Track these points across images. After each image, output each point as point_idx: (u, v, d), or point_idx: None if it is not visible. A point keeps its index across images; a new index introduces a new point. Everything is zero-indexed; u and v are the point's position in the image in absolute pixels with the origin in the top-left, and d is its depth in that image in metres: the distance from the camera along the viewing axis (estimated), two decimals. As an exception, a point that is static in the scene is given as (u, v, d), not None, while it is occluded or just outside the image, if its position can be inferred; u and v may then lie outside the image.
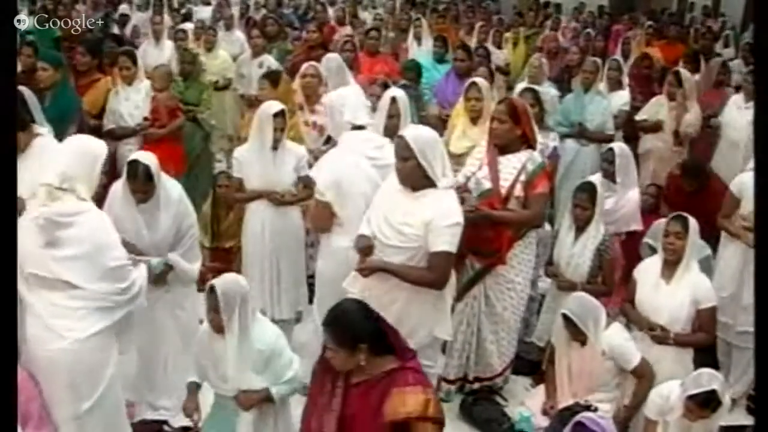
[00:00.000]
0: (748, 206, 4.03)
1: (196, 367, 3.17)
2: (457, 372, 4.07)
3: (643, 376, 3.61)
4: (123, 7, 10.96)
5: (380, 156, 3.88)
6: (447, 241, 3.17)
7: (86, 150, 3.02)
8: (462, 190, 3.77)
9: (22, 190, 3.24)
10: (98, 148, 3.06)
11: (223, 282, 2.94)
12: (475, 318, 3.94)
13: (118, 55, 5.54)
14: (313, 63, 5.38)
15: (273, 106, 4.20)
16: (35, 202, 2.90)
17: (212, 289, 2.91)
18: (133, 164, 3.44)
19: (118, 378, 3.10)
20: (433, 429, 2.48)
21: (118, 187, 3.55)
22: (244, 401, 3.01)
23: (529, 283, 3.98)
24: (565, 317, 3.57)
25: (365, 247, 3.29)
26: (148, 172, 3.42)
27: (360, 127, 4.02)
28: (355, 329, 2.47)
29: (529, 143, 3.82)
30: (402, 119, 4.30)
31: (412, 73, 6.09)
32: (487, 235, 3.75)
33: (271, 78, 5.12)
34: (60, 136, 4.64)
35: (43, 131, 3.53)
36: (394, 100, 4.36)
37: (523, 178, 3.72)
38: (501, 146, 3.79)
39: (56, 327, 2.87)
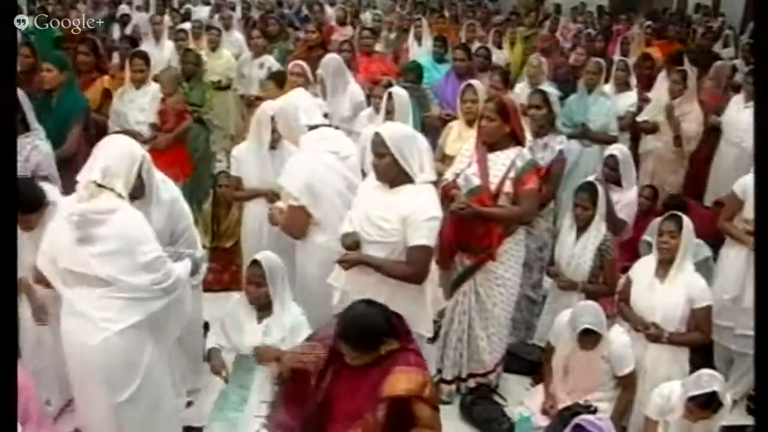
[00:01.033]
0: (751, 209, 4.03)
1: (220, 333, 3.41)
2: (453, 372, 4.08)
3: (629, 387, 3.63)
4: (123, 7, 10.95)
5: (340, 149, 3.92)
6: (424, 235, 3.19)
7: (127, 149, 3.08)
8: (450, 187, 3.80)
9: (31, 261, 3.22)
10: (137, 149, 3.14)
11: (267, 257, 3.28)
12: (466, 315, 3.95)
13: (132, 56, 5.50)
14: (299, 62, 5.40)
15: (272, 106, 4.21)
16: (72, 199, 2.97)
17: (256, 263, 3.21)
18: None
19: (157, 372, 3.12)
20: (429, 411, 2.55)
21: None
22: (263, 353, 3.22)
23: (518, 279, 3.99)
24: (587, 330, 3.53)
25: (352, 243, 3.32)
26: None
27: (314, 127, 4.03)
28: (378, 332, 2.57)
29: (518, 140, 3.84)
30: (397, 116, 4.33)
31: (413, 74, 6.09)
32: (477, 231, 3.77)
33: (277, 79, 5.11)
34: (66, 135, 4.69)
35: (52, 197, 3.52)
36: (390, 96, 4.40)
37: (512, 174, 3.73)
38: (490, 144, 3.81)
39: (93, 320, 2.90)
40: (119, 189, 2.95)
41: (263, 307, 3.31)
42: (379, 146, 3.23)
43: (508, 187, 3.73)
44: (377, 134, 3.26)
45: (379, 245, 3.27)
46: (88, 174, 2.94)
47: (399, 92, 4.55)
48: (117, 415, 2.98)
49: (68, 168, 4.75)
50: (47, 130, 4.31)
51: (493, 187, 3.74)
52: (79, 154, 4.87)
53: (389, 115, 4.45)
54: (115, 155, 3.00)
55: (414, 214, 3.18)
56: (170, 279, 2.99)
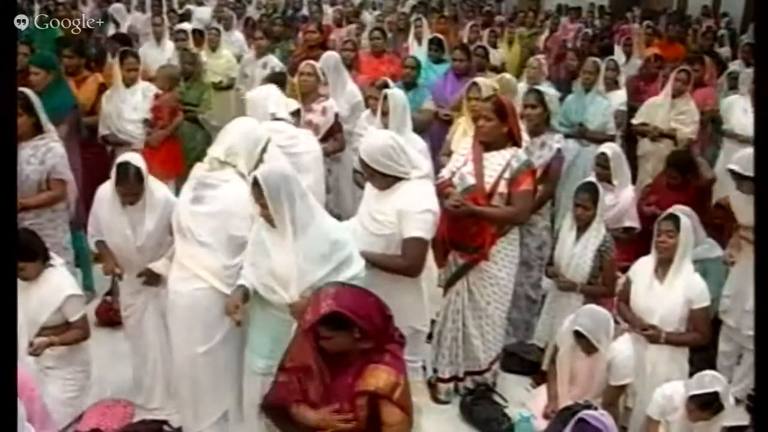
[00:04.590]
0: (743, 217, 4.03)
1: (248, 269, 3.12)
2: (450, 370, 4.08)
3: (614, 398, 3.60)
4: (116, 6, 10.74)
5: (291, 144, 4.14)
6: (419, 227, 3.24)
7: (251, 131, 3.37)
8: (446, 185, 3.81)
9: (21, 322, 3.35)
10: (262, 131, 3.43)
11: (264, 171, 2.97)
12: (459, 314, 3.96)
13: (124, 55, 5.45)
14: (310, 62, 5.40)
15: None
16: (199, 168, 3.33)
17: (255, 181, 2.93)
18: (123, 166, 3.46)
19: (235, 340, 3.30)
20: (398, 417, 2.50)
21: (107, 188, 3.59)
22: (299, 308, 2.83)
23: (513, 278, 4.00)
24: (578, 333, 3.53)
25: None
26: (139, 174, 3.45)
27: (278, 119, 4.22)
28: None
29: (515, 141, 3.85)
30: (392, 116, 4.37)
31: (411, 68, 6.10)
32: (469, 230, 3.79)
33: (276, 80, 5.11)
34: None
35: (57, 262, 3.63)
36: (385, 97, 4.42)
37: (507, 175, 3.75)
38: (487, 143, 3.82)
39: (189, 271, 3.23)
40: (241, 167, 3.24)
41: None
42: (364, 167, 3.35)
43: (502, 187, 3.75)
44: (359, 155, 3.38)
45: (375, 237, 3.32)
46: (214, 151, 3.26)
47: (394, 93, 4.55)
48: (196, 364, 3.27)
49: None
50: None
51: (487, 186, 3.75)
52: (69, 153, 4.87)
53: (385, 116, 4.47)
54: (239, 137, 3.29)
55: (408, 207, 3.24)
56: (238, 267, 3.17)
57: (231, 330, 3.23)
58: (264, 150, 3.31)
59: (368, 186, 3.49)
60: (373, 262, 3.27)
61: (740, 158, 3.90)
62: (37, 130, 4.10)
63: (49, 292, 3.46)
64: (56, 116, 4.73)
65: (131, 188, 3.46)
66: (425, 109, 5.81)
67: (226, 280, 3.19)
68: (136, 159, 3.51)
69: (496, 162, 3.78)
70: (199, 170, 3.33)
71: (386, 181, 3.32)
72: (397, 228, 3.27)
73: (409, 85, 5.83)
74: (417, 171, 3.33)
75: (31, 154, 4.04)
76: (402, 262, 3.28)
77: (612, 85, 6.36)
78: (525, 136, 4.29)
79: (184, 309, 3.25)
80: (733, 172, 3.93)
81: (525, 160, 3.83)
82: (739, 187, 3.94)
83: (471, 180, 3.77)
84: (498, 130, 3.78)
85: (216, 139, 3.38)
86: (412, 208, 3.25)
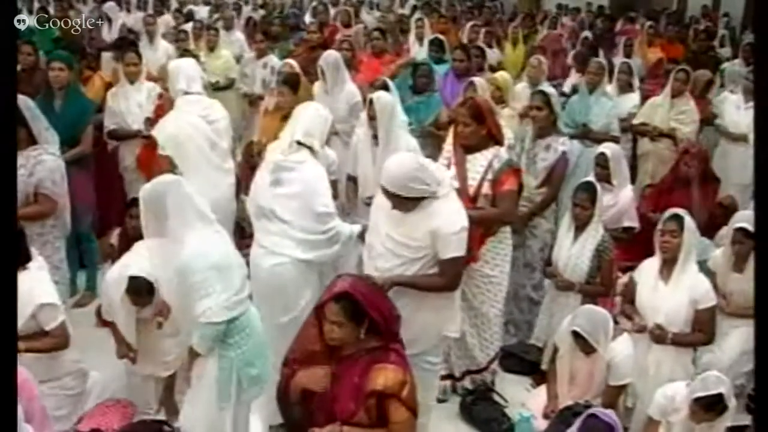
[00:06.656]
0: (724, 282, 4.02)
1: None
2: (446, 368, 4.07)
3: (612, 397, 3.58)
4: (109, 5, 10.71)
5: (208, 114, 4.59)
6: (457, 247, 3.18)
7: (321, 113, 3.74)
8: None
9: None
10: (327, 112, 3.81)
11: (149, 185, 3.08)
12: None
13: (124, 52, 5.43)
14: (289, 60, 5.41)
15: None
16: (276, 151, 3.64)
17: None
18: (135, 281, 3.37)
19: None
20: (405, 415, 2.53)
21: (116, 282, 3.47)
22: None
23: (506, 277, 3.99)
24: (576, 333, 3.52)
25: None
26: (151, 289, 3.40)
27: (188, 94, 4.58)
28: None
29: (496, 140, 3.84)
30: (379, 121, 4.31)
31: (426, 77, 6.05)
32: None
33: (290, 83, 5.09)
34: (76, 135, 4.65)
35: (33, 266, 3.37)
36: (371, 101, 4.39)
37: (490, 176, 3.74)
38: (467, 146, 3.81)
39: (269, 249, 3.50)
40: (316, 146, 3.60)
41: None
42: (388, 195, 3.14)
43: (486, 188, 3.75)
44: (381, 185, 3.17)
45: (407, 259, 3.22)
46: (290, 135, 3.57)
47: (380, 97, 4.42)
48: (281, 334, 3.35)
49: (81, 167, 4.73)
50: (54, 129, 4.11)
51: (471, 189, 3.75)
52: (90, 154, 4.85)
53: (371, 120, 4.39)
54: (313, 119, 3.65)
55: (443, 228, 3.14)
56: (332, 232, 3.51)
57: (313, 300, 3.27)
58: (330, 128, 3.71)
59: (383, 208, 3.28)
60: (411, 286, 3.20)
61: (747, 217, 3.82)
62: (31, 141, 3.89)
63: (21, 298, 3.17)
64: (83, 117, 4.74)
65: (142, 300, 3.44)
66: (443, 122, 5.73)
67: (310, 247, 3.48)
68: (148, 274, 3.37)
69: (479, 163, 3.78)
70: (273, 154, 3.61)
71: (412, 203, 3.16)
72: (432, 249, 3.18)
73: (422, 92, 5.74)
74: (442, 189, 3.21)
75: (21, 165, 3.78)
76: (441, 281, 3.23)
77: (626, 87, 6.34)
78: (508, 133, 4.28)
79: (264, 284, 3.51)
80: (740, 230, 3.84)
81: (506, 159, 3.82)
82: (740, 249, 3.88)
83: (454, 184, 3.72)
84: (477, 133, 3.77)
85: (289, 124, 3.67)
86: (449, 229, 3.14)
